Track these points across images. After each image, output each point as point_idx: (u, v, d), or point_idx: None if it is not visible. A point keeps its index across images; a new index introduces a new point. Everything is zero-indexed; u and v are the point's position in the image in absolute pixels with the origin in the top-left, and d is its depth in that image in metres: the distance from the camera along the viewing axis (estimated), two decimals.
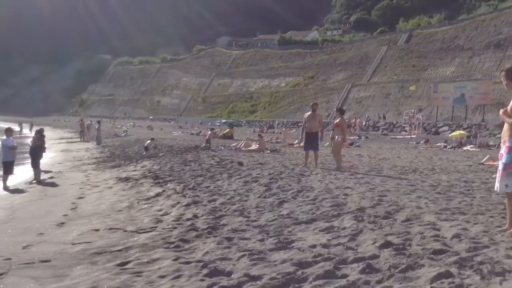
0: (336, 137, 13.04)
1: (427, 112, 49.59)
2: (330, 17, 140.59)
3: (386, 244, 4.85)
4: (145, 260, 4.93)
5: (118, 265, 4.87)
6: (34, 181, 13.78)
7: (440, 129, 42.64)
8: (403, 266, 4.09)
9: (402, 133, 43.41)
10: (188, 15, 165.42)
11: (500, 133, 5.68)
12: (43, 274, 4.81)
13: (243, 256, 4.70)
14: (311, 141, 13.46)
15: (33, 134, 17.30)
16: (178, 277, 4.28)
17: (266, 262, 4.47)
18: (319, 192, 8.58)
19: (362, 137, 36.12)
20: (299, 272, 4.09)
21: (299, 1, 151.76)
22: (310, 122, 13.47)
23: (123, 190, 10.58)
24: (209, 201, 8.08)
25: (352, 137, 34.08)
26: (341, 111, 13.93)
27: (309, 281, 3.89)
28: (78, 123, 43.00)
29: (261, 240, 5.35)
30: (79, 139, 36.80)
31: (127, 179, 12.13)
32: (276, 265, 4.38)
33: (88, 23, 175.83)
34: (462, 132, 32.06)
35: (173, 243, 5.55)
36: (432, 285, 3.63)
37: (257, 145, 21.15)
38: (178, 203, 8.16)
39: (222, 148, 21.28)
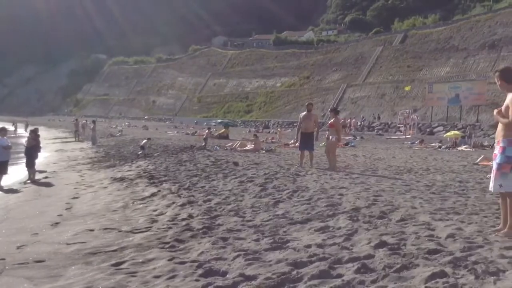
0: (330, 137, 13.06)
1: (422, 113, 49.77)
2: (326, 17, 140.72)
3: (381, 244, 4.86)
4: (140, 260, 4.92)
5: (113, 265, 4.85)
6: (29, 181, 13.73)
7: (435, 129, 42.79)
8: (398, 266, 4.09)
9: (397, 133, 43.54)
10: (184, 15, 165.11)
11: (494, 133, 5.71)
12: (37, 274, 4.79)
13: (238, 256, 4.70)
14: (307, 141, 13.47)
15: (28, 134, 17.22)
16: (173, 277, 4.27)
17: (261, 262, 4.47)
18: (314, 192, 8.59)
19: (357, 137, 36.18)
20: (294, 272, 4.09)
21: (294, 1, 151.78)
22: (306, 122, 13.49)
23: (118, 190, 10.55)
24: (204, 201, 8.07)
25: (347, 137, 34.15)
26: (335, 111, 13.95)
27: (304, 281, 3.89)
28: (73, 123, 42.85)
29: (256, 240, 5.35)
30: (73, 139, 36.67)
31: (122, 179, 12.10)
32: (271, 265, 4.38)
33: (84, 22, 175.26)
34: (456, 132, 32.19)
35: (168, 243, 5.54)
36: (426, 284, 3.64)
37: (253, 145, 21.16)
38: (173, 203, 8.15)
39: (218, 148, 21.26)
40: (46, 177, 14.54)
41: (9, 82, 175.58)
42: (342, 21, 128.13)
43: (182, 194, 8.95)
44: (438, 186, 9.57)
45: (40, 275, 4.77)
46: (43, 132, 19.57)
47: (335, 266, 4.24)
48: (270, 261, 4.51)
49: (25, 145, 15.19)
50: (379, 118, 53.45)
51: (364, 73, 66.20)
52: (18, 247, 5.98)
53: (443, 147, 26.81)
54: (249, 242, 5.29)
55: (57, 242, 6.17)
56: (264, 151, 20.06)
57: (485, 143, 27.72)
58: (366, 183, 9.86)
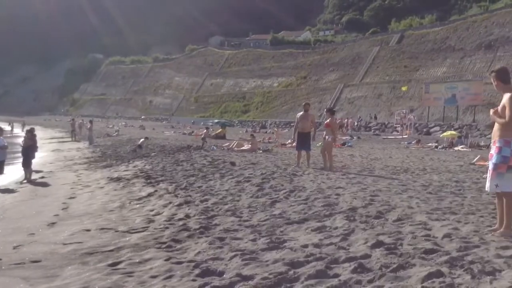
0: (327, 137, 13.08)
1: (418, 113, 49.83)
2: (323, 18, 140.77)
3: (378, 244, 4.87)
4: (137, 260, 4.91)
5: (110, 265, 4.85)
6: (25, 181, 13.70)
7: (432, 130, 42.85)
8: (395, 266, 4.11)
9: (393, 133, 43.58)
10: (181, 14, 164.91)
11: (490, 133, 5.73)
12: (33, 275, 4.77)
13: (235, 256, 4.70)
14: (304, 141, 13.48)
15: (24, 133, 17.19)
16: (170, 277, 4.27)
17: (258, 262, 4.47)
18: (311, 192, 8.60)
19: (354, 137, 36.21)
20: (291, 272, 4.09)
21: (291, 1, 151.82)
22: (303, 122, 13.50)
23: (115, 190, 10.53)
24: (201, 201, 8.06)
25: (344, 137, 34.18)
26: (331, 112, 13.96)
27: (301, 281, 3.89)
28: (69, 123, 42.77)
29: (253, 240, 5.35)
30: (70, 139, 36.60)
31: (118, 179, 12.08)
32: (268, 265, 4.38)
33: (80, 22, 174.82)
34: (453, 132, 32.24)
35: (165, 243, 5.53)
36: (423, 284, 3.65)
37: (250, 145, 21.16)
38: (170, 203, 8.14)
39: (215, 148, 21.26)
40: (42, 177, 14.50)
41: (5, 81, 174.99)
42: (339, 21, 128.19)
43: (179, 194, 8.95)
44: (434, 186, 9.59)
45: (36, 275, 4.76)
46: (39, 132, 19.53)
47: (332, 266, 4.24)
48: (267, 261, 4.51)
49: (22, 145, 15.16)
50: (375, 118, 53.52)
51: (361, 73, 66.27)
52: (14, 247, 5.96)
53: (439, 147, 26.86)
54: (246, 242, 5.29)
55: (54, 242, 6.15)
56: (261, 151, 20.06)
57: (482, 143, 27.78)
58: (363, 183, 9.88)
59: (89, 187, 11.50)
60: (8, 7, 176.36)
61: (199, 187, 9.64)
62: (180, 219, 6.76)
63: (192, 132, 43.84)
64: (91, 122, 32.89)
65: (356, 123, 50.74)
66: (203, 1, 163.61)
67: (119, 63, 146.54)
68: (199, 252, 5.00)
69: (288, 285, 3.84)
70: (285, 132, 43.00)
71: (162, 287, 4.05)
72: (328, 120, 13.39)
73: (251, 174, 11.37)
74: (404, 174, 12.20)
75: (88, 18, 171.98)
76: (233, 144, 22.30)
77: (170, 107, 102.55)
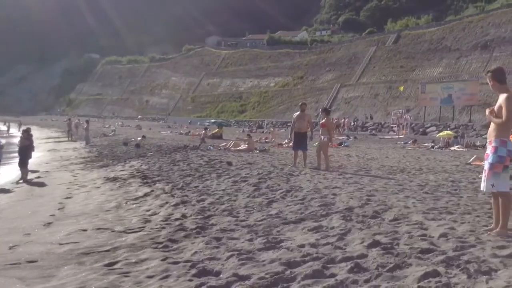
0: (322, 137, 13.09)
1: (415, 113, 49.96)
2: (319, 18, 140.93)
3: (374, 244, 4.87)
4: (133, 260, 4.90)
5: (106, 265, 4.84)
6: (21, 181, 13.66)
7: (428, 130, 42.98)
8: (391, 265, 4.11)
9: (390, 133, 43.67)
10: (177, 14, 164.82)
11: (486, 133, 5.74)
12: (29, 275, 4.76)
13: (231, 256, 4.70)
14: (300, 141, 13.49)
15: (21, 133, 17.15)
16: (166, 277, 4.26)
17: (255, 262, 4.47)
18: (307, 192, 8.61)
19: (351, 137, 36.26)
20: (288, 272, 4.09)
21: (288, 1, 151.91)
22: (299, 122, 13.50)
23: (111, 190, 10.51)
24: (198, 201, 8.06)
25: (341, 137, 34.22)
26: (326, 112, 13.96)
27: (297, 281, 3.89)
28: (66, 123, 42.66)
29: (250, 240, 5.35)
30: (66, 139, 36.51)
31: (115, 179, 12.05)
32: (265, 264, 4.38)
33: (77, 21, 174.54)
34: (449, 132, 32.33)
35: (161, 243, 5.53)
36: (419, 284, 3.65)
37: (246, 145, 21.16)
38: (167, 203, 8.13)
39: (211, 148, 21.25)
40: (38, 177, 14.47)
41: (1, 81, 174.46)
42: (335, 21, 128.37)
43: (175, 194, 8.94)
44: (431, 186, 9.61)
45: (32, 275, 4.75)
46: (35, 132, 19.48)
47: (329, 265, 4.25)
48: (263, 261, 4.51)
49: (18, 145, 15.13)
50: (371, 118, 53.60)
51: (358, 73, 66.38)
52: (10, 247, 5.95)
53: (436, 147, 26.93)
54: (243, 242, 5.29)
55: (50, 242, 6.14)
56: (257, 151, 20.06)
57: (478, 143, 27.87)
58: (360, 183, 9.89)
59: (86, 187, 11.48)
60: (4, 6, 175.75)
61: (195, 187, 9.63)
62: (176, 219, 6.75)
63: (189, 132, 43.81)
64: (87, 122, 32.79)
65: (352, 123, 50.82)
66: (200, 1, 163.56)
67: (116, 63, 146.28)
68: (195, 252, 5.00)
69: (285, 285, 3.84)
70: (282, 132, 43.01)
71: (159, 287, 4.05)
72: (323, 120, 13.40)
73: (248, 174, 11.36)
74: (401, 174, 12.22)
75: (84, 18, 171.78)
76: (230, 144, 22.30)
77: (166, 107, 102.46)
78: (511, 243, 4.80)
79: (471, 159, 16.35)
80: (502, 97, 5.28)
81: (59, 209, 8.79)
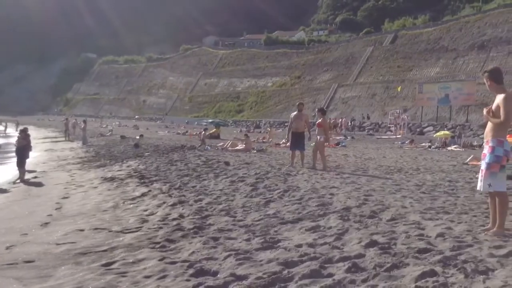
0: (318, 137, 13.10)
1: (412, 113, 49.99)
2: (317, 18, 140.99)
3: (372, 243, 4.88)
4: (131, 260, 4.90)
5: (103, 265, 4.83)
6: (18, 181, 13.64)
7: (425, 129, 42.99)
8: (388, 265, 4.12)
9: (387, 133, 43.69)
10: (175, 14, 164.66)
11: (483, 133, 5.75)
12: (27, 275, 4.75)
13: (229, 255, 4.70)
14: (297, 141, 13.50)
15: (18, 133, 17.13)
16: (164, 277, 4.26)
17: (252, 262, 4.47)
18: (305, 191, 8.61)
19: (348, 137, 36.27)
20: (285, 272, 4.09)
21: (285, 1, 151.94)
22: (296, 122, 13.51)
23: (109, 190, 10.50)
24: (195, 201, 8.05)
25: (338, 137, 34.24)
26: (322, 112, 13.96)
27: (295, 281, 3.90)
28: (63, 122, 42.58)
29: (247, 240, 5.35)
30: (63, 138, 36.45)
31: (112, 179, 12.04)
32: (262, 264, 4.38)
33: (75, 21, 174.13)
34: (446, 132, 32.35)
35: (158, 243, 5.52)
36: (416, 283, 3.66)
37: (244, 145, 21.15)
38: (164, 203, 8.13)
39: (209, 147, 21.25)
40: (35, 177, 14.45)
41: None
42: (333, 21, 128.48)
43: (173, 194, 8.93)
44: (428, 186, 9.63)
45: (29, 275, 4.74)
46: (32, 132, 19.43)
47: (326, 265, 4.25)
48: (261, 260, 4.52)
49: (16, 144, 15.10)
50: (368, 118, 53.66)
51: (355, 73, 66.40)
52: (7, 248, 5.93)
53: (433, 147, 26.95)
54: (240, 242, 5.29)
55: (47, 242, 6.12)
56: (255, 151, 20.06)
57: (475, 143, 27.90)
58: (357, 183, 9.90)
59: (83, 187, 11.46)
60: (3, 6, 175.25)
61: (193, 187, 9.63)
62: (174, 219, 6.75)
63: (186, 132, 43.77)
64: (85, 122, 32.75)
65: (349, 123, 50.85)
66: (197, 1, 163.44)
67: (113, 62, 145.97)
68: (193, 252, 5.00)
69: (282, 284, 3.84)
70: (279, 132, 43.02)
71: (156, 287, 4.04)
72: (320, 120, 13.42)
73: (245, 174, 11.36)
74: (398, 173, 12.24)
75: (83, 18, 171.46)
76: (227, 144, 22.29)
77: (164, 107, 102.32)
78: (508, 242, 4.82)
79: (468, 159, 16.37)
80: (499, 97, 5.29)
81: (56, 209, 8.78)
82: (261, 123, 63.14)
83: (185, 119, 76.98)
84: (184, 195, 8.65)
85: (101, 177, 12.73)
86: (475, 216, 6.41)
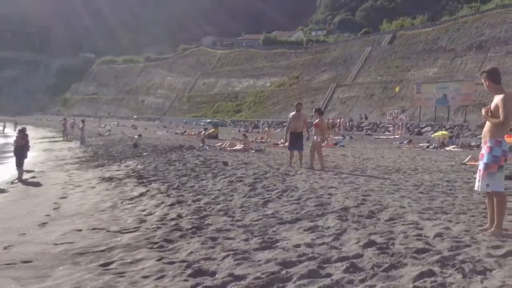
0: (315, 137, 13.11)
1: (410, 113, 50.04)
2: (315, 18, 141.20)
3: (370, 243, 4.88)
4: (129, 261, 4.89)
5: (101, 265, 4.83)
6: (16, 181, 13.62)
7: (423, 130, 43.06)
8: (386, 265, 4.12)
9: (385, 133, 43.75)
10: (173, 14, 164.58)
11: (481, 133, 5.76)
12: (24, 275, 4.74)
13: (227, 256, 4.69)
14: (296, 141, 13.50)
15: (17, 133, 17.12)
16: (162, 277, 4.26)
17: (251, 262, 4.47)
18: (303, 191, 8.61)
19: (346, 137, 36.30)
20: (284, 272, 4.09)
21: (284, 2, 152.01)
22: (295, 122, 13.51)
23: (107, 190, 10.49)
24: (194, 201, 8.04)
25: (336, 137, 34.26)
26: (319, 112, 13.96)
27: (293, 281, 3.90)
28: (61, 122, 42.52)
29: (246, 240, 5.35)
30: (61, 138, 36.40)
31: (110, 179, 12.03)
32: (261, 264, 4.38)
33: (73, 21, 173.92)
34: (444, 132, 32.40)
35: (157, 243, 5.52)
36: (414, 283, 3.66)
37: (242, 145, 21.16)
38: (162, 203, 8.12)
39: (207, 147, 21.24)
40: (33, 177, 14.44)
41: None
42: (331, 21, 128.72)
43: (171, 194, 8.92)
44: (426, 186, 9.64)
45: (27, 275, 4.73)
46: (30, 132, 19.35)
47: (324, 265, 4.25)
48: (259, 260, 4.51)
49: (14, 144, 15.09)
50: (366, 118, 53.70)
51: (353, 73, 66.42)
52: (5, 248, 5.92)
53: (431, 147, 26.98)
54: (238, 242, 5.29)
55: (45, 242, 6.12)
56: (253, 151, 20.06)
57: (473, 143, 27.94)
58: (355, 183, 9.91)
59: (81, 187, 11.45)
60: (1, 5, 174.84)
61: (191, 187, 9.62)
62: (172, 219, 6.74)
63: (185, 132, 43.74)
64: (83, 121, 32.71)
65: (347, 123, 50.89)
66: (196, 1, 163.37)
67: (111, 62, 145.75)
68: (191, 252, 4.99)
69: (281, 284, 3.84)
70: (278, 132, 43.02)
71: (154, 287, 4.04)
72: (317, 120, 13.42)
73: (244, 174, 11.36)
74: (396, 174, 12.25)
75: (81, 18, 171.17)
76: (226, 144, 22.29)
77: (162, 107, 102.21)
78: (506, 242, 4.83)
79: (466, 159, 16.39)
80: (498, 98, 5.29)
81: (54, 209, 8.77)
82: (259, 123, 63.12)
83: (184, 119, 76.90)
84: (182, 195, 8.64)
85: (99, 177, 12.72)
86: (473, 216, 6.42)
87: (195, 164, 13.77)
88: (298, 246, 4.98)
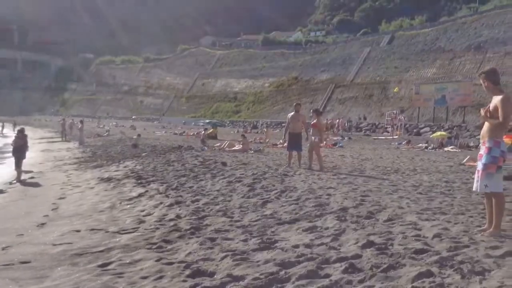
0: (313, 137, 13.11)
1: (409, 113, 50.06)
2: (314, 18, 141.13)
3: (368, 244, 4.88)
4: (127, 261, 4.89)
5: (100, 266, 4.82)
6: (15, 181, 13.60)
7: (422, 130, 43.08)
8: (385, 266, 4.12)
9: (384, 134, 43.76)
10: (172, 14, 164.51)
11: (480, 134, 5.76)
12: (23, 276, 4.74)
13: (226, 256, 4.69)
14: (295, 142, 13.50)
15: (15, 133, 17.09)
16: (160, 278, 4.26)
17: (249, 263, 4.47)
18: (302, 192, 8.61)
19: (345, 138, 36.32)
20: (282, 272, 4.09)
21: (283, 2, 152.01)
22: (293, 123, 13.51)
23: (105, 190, 10.48)
24: (192, 202, 8.04)
25: (335, 138, 34.28)
26: (317, 112, 13.96)
27: (292, 281, 3.90)
28: (59, 123, 42.48)
29: (244, 241, 5.34)
30: (60, 139, 36.36)
31: (109, 179, 12.02)
32: (259, 265, 4.38)
33: (71, 21, 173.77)
34: (443, 133, 32.45)
35: (155, 243, 5.51)
36: (413, 284, 3.66)
37: (241, 145, 21.15)
38: (161, 203, 8.11)
39: (206, 148, 21.23)
40: (32, 177, 14.41)
41: None
42: (330, 22, 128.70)
43: (170, 194, 8.91)
44: (424, 187, 9.64)
45: (25, 276, 4.72)
46: (29, 132, 19.27)
47: (323, 266, 4.25)
48: (258, 261, 4.51)
49: (12, 145, 15.07)
50: (365, 118, 53.72)
51: (352, 73, 66.46)
52: (3, 248, 5.92)
53: (429, 147, 27.01)
54: (237, 243, 5.28)
55: (43, 243, 6.11)
56: (252, 151, 20.06)
57: (471, 144, 27.98)
58: (354, 183, 9.91)
59: (79, 188, 11.44)
60: None
61: (190, 187, 9.61)
62: (171, 220, 6.74)
63: (183, 132, 43.73)
64: (81, 122, 32.68)
65: (346, 124, 50.91)
66: (194, 2, 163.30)
67: (110, 63, 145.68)
68: (190, 253, 4.99)
69: (279, 285, 3.84)
70: (276, 132, 43.02)
71: None
72: (315, 121, 13.43)
73: (242, 174, 11.35)
74: (395, 174, 12.25)
75: (79, 18, 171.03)
76: (224, 145, 22.30)
77: (161, 107, 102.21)
78: (504, 243, 4.83)
79: (464, 160, 16.41)
80: (497, 98, 5.29)
81: (52, 209, 8.76)
82: (258, 124, 63.13)
83: (182, 120, 76.90)
84: (181, 196, 8.64)
85: (98, 178, 12.70)
86: (471, 216, 6.42)
87: (194, 164, 13.75)
88: (297, 246, 4.97)
